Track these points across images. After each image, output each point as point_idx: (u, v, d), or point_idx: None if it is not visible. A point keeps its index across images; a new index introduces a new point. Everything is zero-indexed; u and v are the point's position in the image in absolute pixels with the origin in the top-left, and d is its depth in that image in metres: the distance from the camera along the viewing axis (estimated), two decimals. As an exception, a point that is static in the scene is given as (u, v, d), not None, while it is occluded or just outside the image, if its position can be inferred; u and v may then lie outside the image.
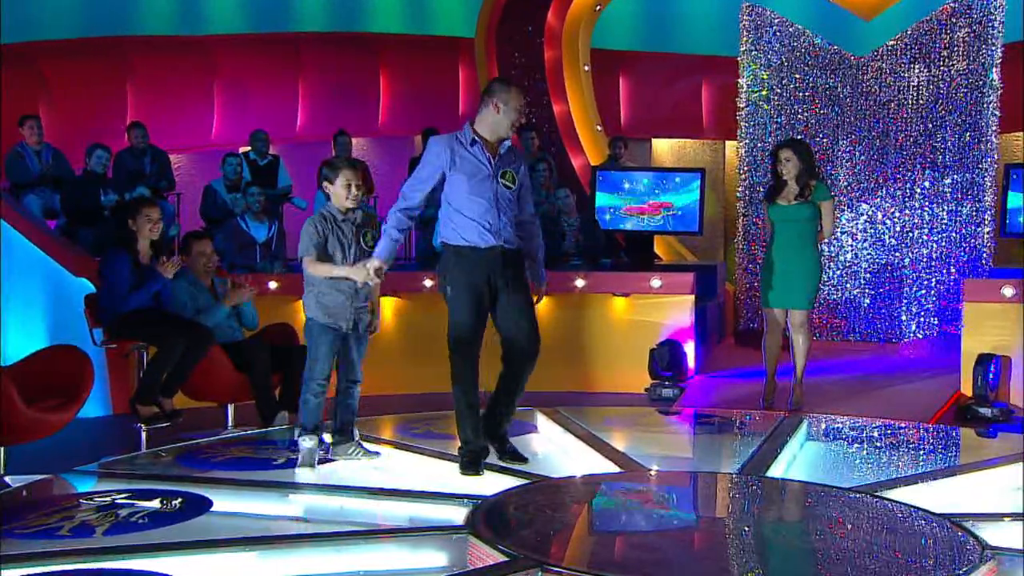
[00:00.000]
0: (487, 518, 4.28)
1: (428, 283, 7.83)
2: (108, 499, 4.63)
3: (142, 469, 5.34)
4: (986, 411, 6.62)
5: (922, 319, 9.01)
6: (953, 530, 4.09)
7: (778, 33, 9.53)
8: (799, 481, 4.95)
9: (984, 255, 8.92)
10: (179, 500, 4.62)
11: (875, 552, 3.97)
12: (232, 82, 12.32)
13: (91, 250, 7.79)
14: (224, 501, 4.64)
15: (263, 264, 8.14)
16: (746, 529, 4.33)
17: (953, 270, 8.98)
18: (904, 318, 9.02)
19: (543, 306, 7.74)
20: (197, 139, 12.20)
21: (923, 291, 9.02)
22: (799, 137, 9.31)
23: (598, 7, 11.20)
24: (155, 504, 4.55)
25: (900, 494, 4.62)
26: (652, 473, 5.05)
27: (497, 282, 4.84)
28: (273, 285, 7.61)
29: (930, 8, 9.22)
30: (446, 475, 5.10)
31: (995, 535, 4.00)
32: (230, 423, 6.47)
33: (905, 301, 9.00)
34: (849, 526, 4.35)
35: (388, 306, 7.89)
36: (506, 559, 3.83)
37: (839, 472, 5.21)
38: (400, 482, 5.00)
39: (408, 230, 5.15)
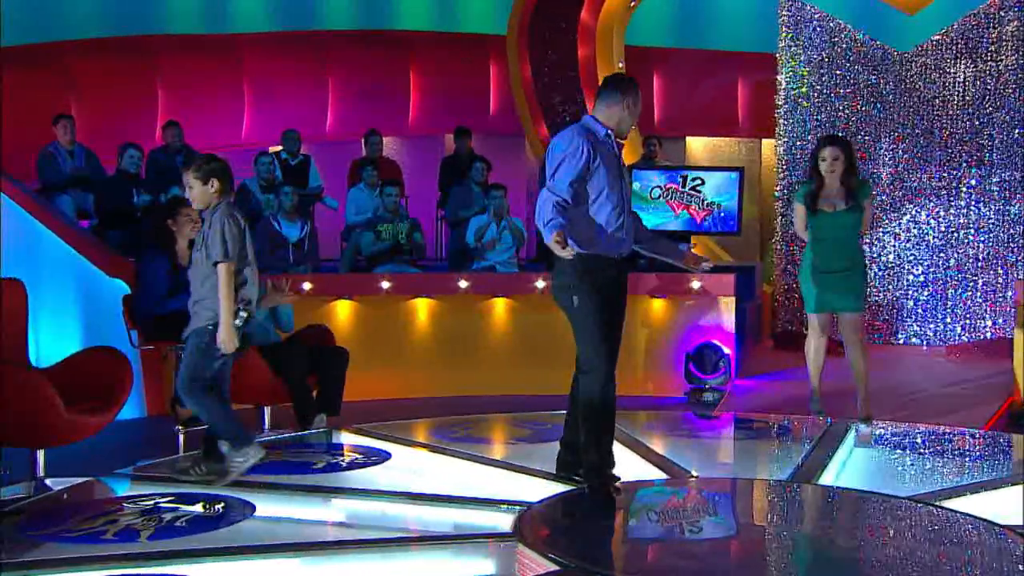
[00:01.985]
0: (534, 525, 4.17)
1: (463, 284, 7.71)
2: (151, 503, 4.56)
3: (181, 473, 5.24)
4: (1039, 416, 6.43)
5: (969, 322, 8.81)
6: (1016, 542, 3.94)
7: (818, 28, 9.37)
8: (854, 490, 4.80)
9: (1034, 255, 8.72)
10: (221, 504, 4.55)
11: (943, 566, 3.82)
12: (261, 81, 12.28)
13: (123, 251, 7.74)
14: (266, 506, 4.56)
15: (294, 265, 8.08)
16: (801, 539, 4.19)
17: (1001, 271, 8.77)
18: (950, 321, 8.83)
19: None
20: (227, 138, 12.16)
21: (970, 293, 8.82)
22: (839, 135, 9.16)
23: (632, 3, 11.06)
24: (198, 508, 4.49)
25: (959, 504, 4.47)
26: (698, 480, 4.92)
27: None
28: (307, 286, 7.52)
29: (977, 1, 9.03)
30: (487, 480, 5.01)
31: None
32: (266, 426, 6.39)
33: (951, 303, 8.81)
34: (912, 537, 4.20)
35: (422, 308, 7.79)
36: (556, 568, 3.72)
37: (893, 480, 5.05)
38: (441, 487, 4.90)
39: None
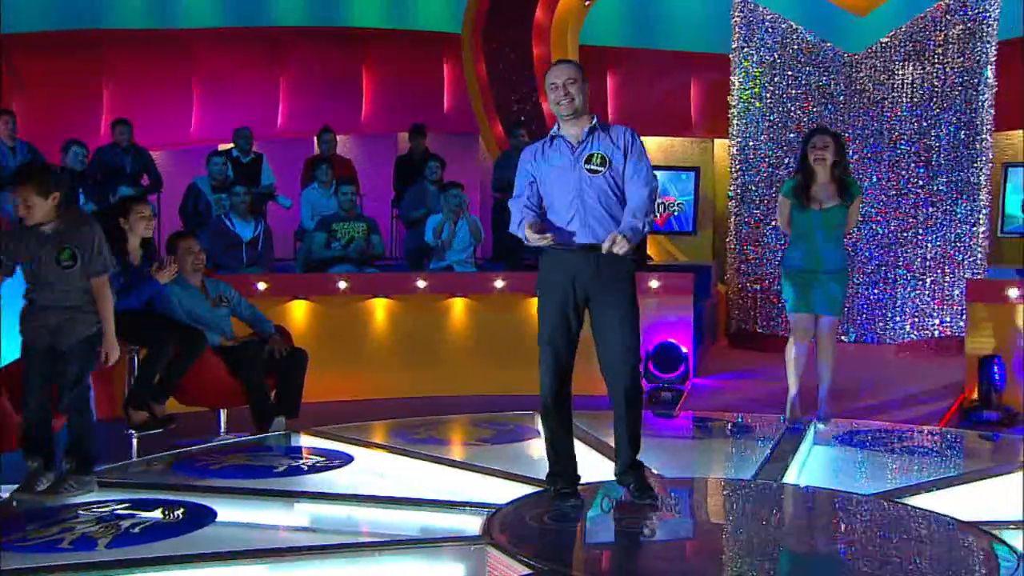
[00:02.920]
0: (503, 527, 4.14)
1: (421, 284, 7.66)
2: (107, 509, 4.45)
3: (137, 478, 5.14)
4: (992, 414, 6.55)
5: (918, 320, 8.95)
6: (983, 538, 4.00)
7: (771, 30, 9.45)
8: (818, 488, 4.84)
9: (980, 255, 8.87)
10: (181, 510, 4.45)
11: (909, 563, 3.86)
12: (211, 78, 12.07)
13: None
14: (227, 511, 4.47)
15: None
16: (770, 538, 4.20)
17: (948, 270, 8.91)
18: (899, 319, 8.96)
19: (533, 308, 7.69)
20: (175, 136, 11.94)
21: (919, 292, 8.96)
22: (792, 136, 9.26)
23: (587, 3, 11.07)
24: (156, 515, 4.39)
25: (921, 501, 4.53)
26: (663, 479, 4.91)
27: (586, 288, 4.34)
28: (262, 286, 7.41)
29: (924, 4, 9.16)
30: (452, 482, 4.98)
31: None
32: (223, 429, 6.27)
33: (900, 302, 8.94)
34: (878, 535, 4.24)
35: (379, 308, 7.72)
36: (528, 571, 3.69)
37: (856, 478, 5.10)
38: (406, 490, 4.86)
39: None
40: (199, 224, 8.62)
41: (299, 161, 10.36)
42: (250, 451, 5.62)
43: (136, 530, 4.18)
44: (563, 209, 4.31)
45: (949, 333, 8.81)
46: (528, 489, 4.69)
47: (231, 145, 9.80)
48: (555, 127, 4.43)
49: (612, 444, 5.01)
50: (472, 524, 4.25)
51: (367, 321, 7.69)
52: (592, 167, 4.27)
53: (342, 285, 7.57)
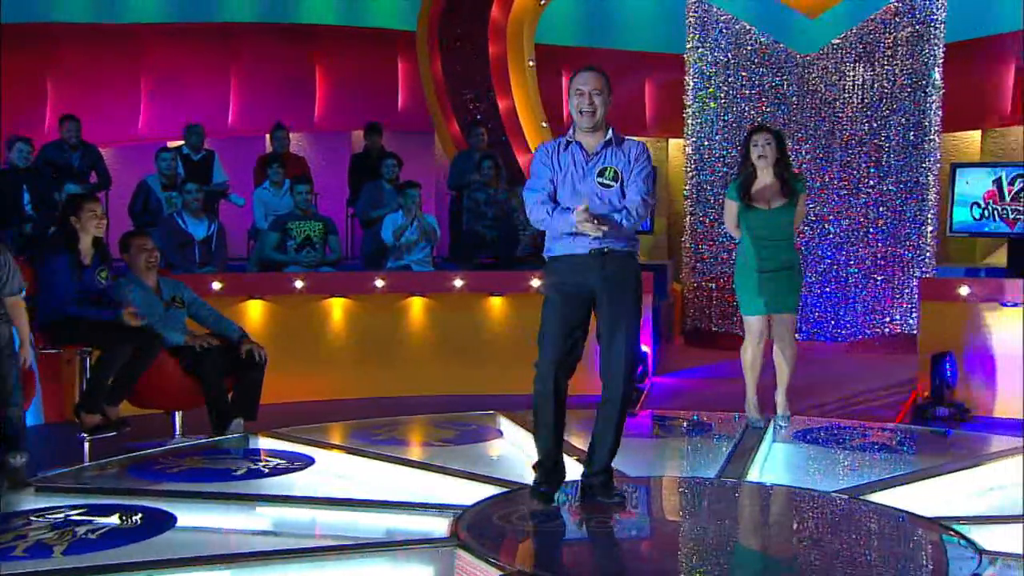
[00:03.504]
0: (471, 529, 4.10)
1: (379, 283, 7.59)
2: (60, 515, 4.33)
3: (92, 482, 5.02)
4: (944, 410, 6.66)
5: (869, 318, 9.07)
6: (945, 534, 4.05)
7: (724, 30, 9.52)
8: (783, 486, 4.88)
9: (928, 254, 9.02)
10: (139, 516, 4.35)
11: (872, 559, 3.90)
12: (159, 73, 11.89)
13: (14, 251, 7.33)
14: (188, 515, 4.38)
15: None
16: (740, 536, 4.22)
17: (898, 269, 9.05)
18: (851, 317, 9.08)
19: (500, 307, 7.69)
20: (122, 132, 11.74)
21: (870, 290, 9.08)
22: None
23: (543, 2, 11.07)
24: (114, 520, 4.28)
25: (883, 497, 4.58)
26: (629, 479, 4.91)
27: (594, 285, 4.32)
28: (216, 286, 7.29)
29: (874, 7, 9.29)
30: (416, 483, 4.93)
31: (985, 538, 3.96)
32: (178, 432, 6.15)
33: (852, 300, 9.06)
34: (842, 532, 4.28)
35: (337, 308, 7.64)
36: (499, 573, 3.66)
37: (817, 475, 5.15)
38: (369, 492, 4.80)
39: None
40: (149, 223, 8.46)
41: (251, 159, 10.23)
42: (207, 454, 5.52)
43: (93, 536, 4.07)
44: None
45: (899, 331, 8.95)
46: (493, 490, 4.66)
47: (181, 142, 9.63)
48: (570, 132, 4.40)
49: (576, 445, 5.06)
50: (438, 526, 4.21)
51: (324, 321, 7.61)
52: (605, 181, 4.30)
53: (298, 285, 7.48)
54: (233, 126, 11.85)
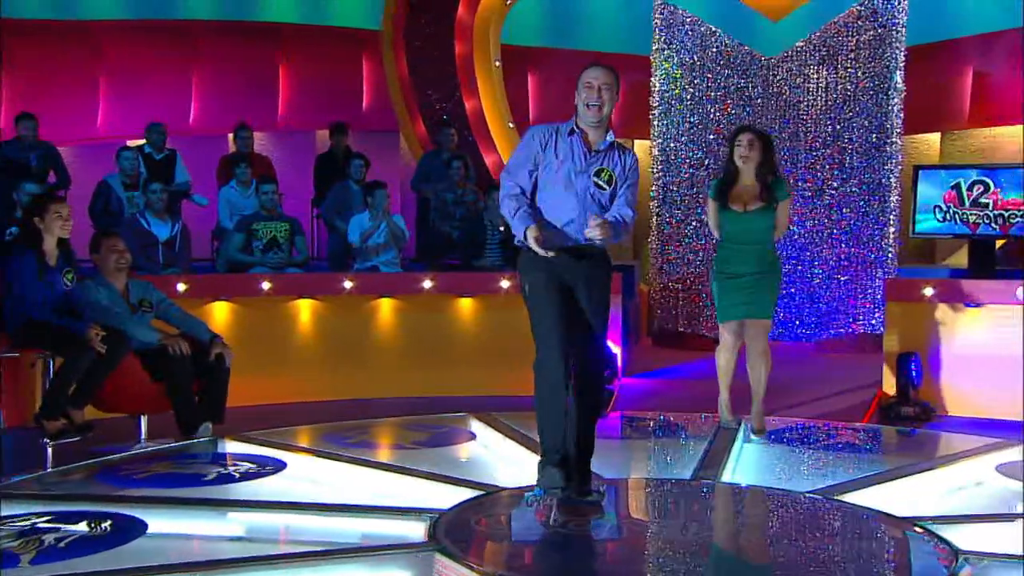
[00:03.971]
0: (450, 533, 4.07)
1: (348, 284, 7.52)
2: (27, 523, 4.24)
3: (57, 489, 4.92)
4: (909, 410, 6.73)
5: (834, 318, 9.15)
6: (921, 534, 4.08)
7: (690, 32, 9.56)
8: (760, 487, 4.90)
9: (891, 254, 9.12)
10: (108, 523, 4.26)
11: (849, 561, 3.93)
12: (118, 71, 11.70)
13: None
14: (158, 522, 4.30)
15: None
16: (718, 539, 4.23)
17: (861, 270, 9.14)
18: (816, 318, 9.16)
19: (469, 309, 7.65)
20: (79, 131, 11.54)
21: (834, 291, 9.17)
22: (711, 137, 9.40)
23: (508, 2, 11.05)
24: (82, 528, 4.19)
25: (857, 498, 4.62)
26: (605, 481, 4.90)
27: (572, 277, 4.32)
28: (182, 287, 7.17)
29: (837, 10, 9.38)
30: (390, 487, 4.88)
31: (959, 538, 4.00)
32: (143, 436, 6.03)
33: (817, 301, 9.14)
34: (819, 534, 4.31)
35: (305, 309, 7.55)
36: (479, 577, 3.64)
37: (791, 476, 5.17)
38: (343, 496, 4.76)
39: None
40: (111, 223, 8.32)
41: (212, 158, 10.09)
42: (175, 459, 5.43)
43: (62, 545, 3.99)
44: (562, 209, 4.30)
45: (862, 331, 9.05)
46: (469, 493, 4.63)
47: (142, 141, 9.48)
48: (572, 120, 4.37)
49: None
50: (414, 530, 4.18)
51: (292, 323, 7.52)
52: (600, 183, 4.31)
53: (265, 286, 7.38)
54: (194, 125, 11.70)
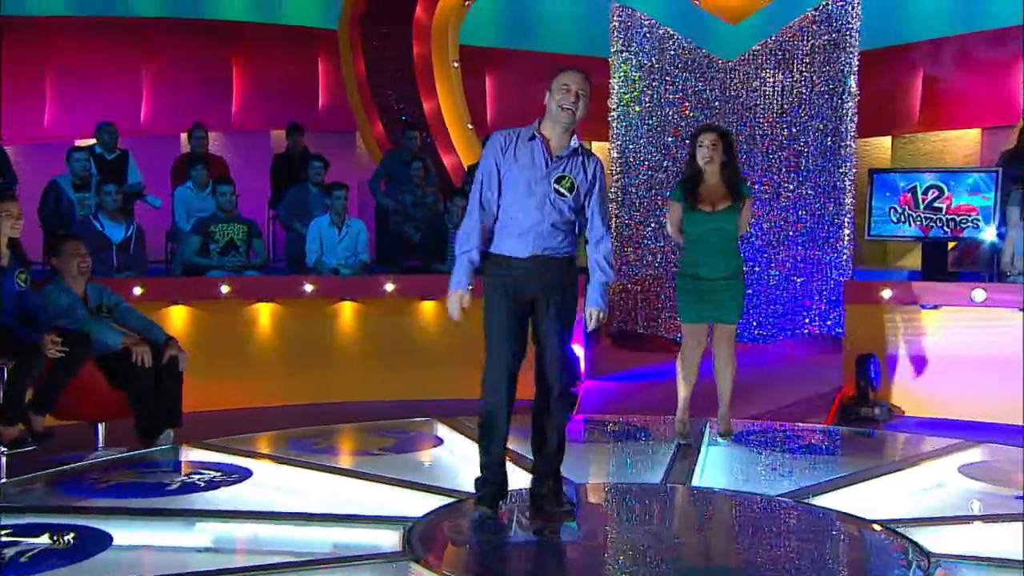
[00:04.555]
0: (424, 541, 4.03)
1: (308, 287, 7.43)
2: (-15, 537, 4.11)
3: (15, 500, 4.78)
4: (869, 411, 6.82)
5: (788, 319, 9.24)
6: (893, 538, 4.13)
7: (648, 35, 9.58)
8: (732, 491, 4.92)
9: (846, 256, 9.23)
10: (71, 535, 4.15)
11: (823, 566, 3.96)
12: (65, 68, 11.44)
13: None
14: (123, 534, 4.21)
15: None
16: (694, 544, 4.24)
17: (817, 272, 9.23)
18: (771, 319, 9.23)
19: (431, 311, 7.59)
20: (26, 130, 11.27)
21: (791, 292, 9.25)
22: (670, 140, 9.44)
23: (467, 2, 11.00)
24: (44, 540, 4.08)
25: (827, 500, 4.66)
26: (576, 486, 4.89)
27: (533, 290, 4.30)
28: (138, 291, 7.03)
29: (792, 14, 9.46)
30: (360, 494, 4.83)
31: (929, 540, 4.05)
32: (100, 443, 5.90)
33: (774, 302, 9.22)
34: (792, 537, 4.33)
35: (264, 312, 7.45)
36: (457, 587, 3.61)
37: (759, 479, 5.20)
38: (312, 505, 4.68)
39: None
40: (61, 225, 8.14)
41: (165, 159, 9.92)
42: (136, 467, 5.33)
43: (23, 559, 3.88)
44: (523, 215, 4.26)
45: (819, 332, 9.14)
46: (440, 500, 4.59)
47: (92, 140, 9.29)
48: (535, 124, 4.34)
49: (521, 452, 5.00)
50: (388, 539, 4.13)
51: (251, 326, 7.41)
52: (561, 190, 4.27)
53: (224, 289, 7.27)
54: (146, 125, 11.49)
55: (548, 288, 4.29)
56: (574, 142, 4.34)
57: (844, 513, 4.45)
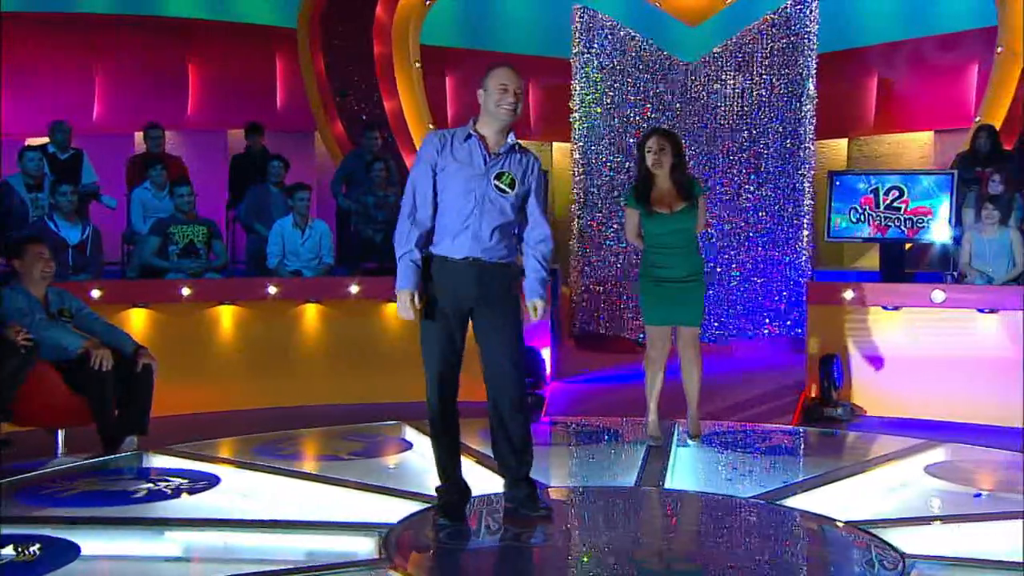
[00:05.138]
0: (403, 549, 3.99)
1: (272, 290, 7.33)
2: (-53, 550, 3.98)
3: (-26, 511, 4.64)
4: (832, 411, 6.88)
5: (749, 320, 9.31)
6: (866, 538, 4.16)
7: (610, 36, 9.59)
8: (706, 493, 4.93)
9: (804, 258, 9.32)
10: (37, 546, 4.03)
11: (798, 568, 3.98)
12: (13, 66, 11.14)
13: None
14: (91, 544, 4.10)
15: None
16: (675, 547, 4.24)
17: (777, 273, 9.32)
18: (732, 320, 9.30)
19: (396, 311, 7.51)
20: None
21: (751, 293, 9.32)
22: (632, 141, 9.45)
23: (428, 2, 10.93)
24: (8, 552, 3.95)
25: (798, 502, 4.69)
26: (552, 489, 4.88)
27: (471, 299, 4.28)
28: (96, 294, 6.88)
29: (751, 17, 9.53)
30: (332, 500, 4.75)
31: (900, 540, 4.09)
32: (59, 451, 5.76)
33: (735, 303, 9.28)
34: (770, 540, 4.35)
35: (226, 315, 7.33)
36: (437, 595, 3.57)
37: (731, 480, 5.21)
38: (284, 511, 4.61)
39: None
40: (14, 226, 7.95)
41: (117, 158, 9.74)
42: (99, 475, 5.22)
43: (-12, 572, 3.77)
44: (458, 216, 4.22)
45: (779, 332, 9.22)
46: (414, 506, 4.55)
47: (44, 139, 9.09)
48: (470, 124, 4.30)
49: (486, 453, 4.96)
50: (363, 546, 4.08)
51: (213, 329, 7.28)
52: (501, 187, 4.23)
53: (185, 292, 7.14)
54: (98, 124, 11.25)
55: (484, 298, 4.26)
56: (511, 139, 4.30)
57: (819, 515, 4.47)
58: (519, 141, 4.37)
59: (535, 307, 4.35)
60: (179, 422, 6.49)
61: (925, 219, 8.36)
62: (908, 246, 8.81)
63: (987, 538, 4.23)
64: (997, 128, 9.57)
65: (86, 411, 5.60)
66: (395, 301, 6.96)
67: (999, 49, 10.30)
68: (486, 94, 4.25)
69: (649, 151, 5.67)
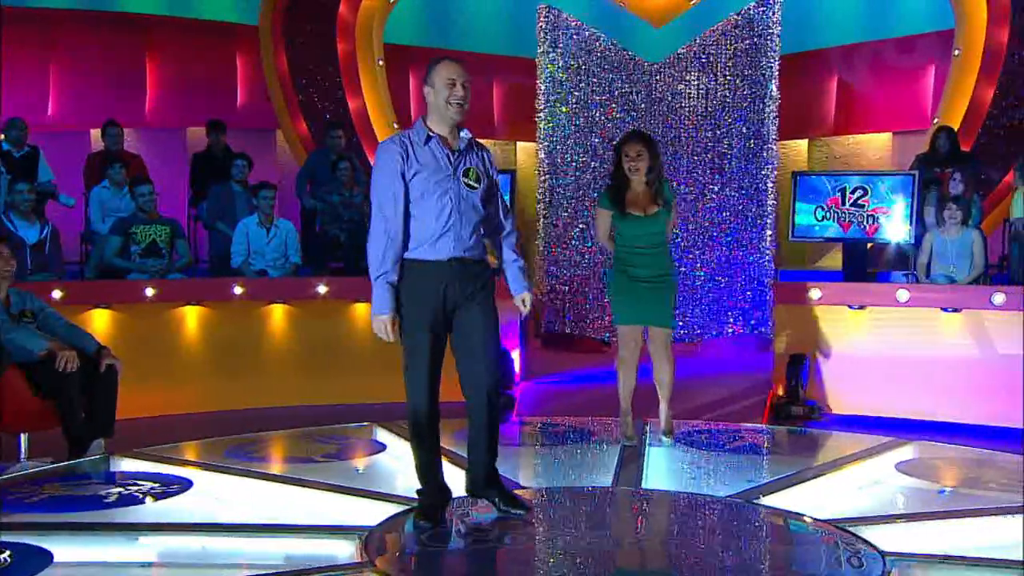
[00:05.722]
0: (384, 552, 3.95)
1: (238, 290, 7.23)
2: (-87, 560, 3.88)
3: (-61, 518, 4.52)
4: (799, 409, 6.95)
5: (714, 320, 9.37)
6: (845, 536, 4.19)
7: (575, 36, 9.60)
8: (685, 493, 4.94)
9: (768, 257, 9.40)
10: (7, 553, 3.94)
11: (778, 566, 4.00)
12: (-34, 61, 10.91)
13: None
14: (64, 550, 4.01)
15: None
16: (659, 548, 4.24)
17: (740, 272, 9.39)
18: (698, 319, 9.35)
19: (365, 314, 7.45)
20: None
21: (713, 293, 9.38)
22: (597, 141, 9.47)
23: (391, 0, 10.86)
24: (-22, 560, 3.86)
25: (775, 500, 4.72)
26: (531, 491, 4.86)
27: (454, 299, 4.24)
28: (57, 294, 6.74)
29: (715, 18, 9.59)
30: (308, 503, 4.69)
31: (877, 538, 4.13)
32: (23, 455, 5.63)
33: (700, 303, 9.33)
34: (751, 539, 4.37)
35: (191, 316, 7.22)
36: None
37: (706, 480, 5.24)
38: (260, 515, 4.54)
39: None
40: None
41: (74, 156, 9.56)
42: (67, 479, 5.10)
43: (-43, 581, 3.67)
44: (437, 220, 4.17)
45: (742, 331, 9.29)
46: (392, 508, 4.50)
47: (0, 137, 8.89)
48: (421, 124, 4.24)
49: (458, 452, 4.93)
50: (342, 549, 4.04)
51: (178, 330, 7.17)
52: (470, 183, 4.21)
53: (149, 292, 7.02)
54: (53, 120, 11.03)
55: (466, 298, 4.24)
56: (465, 134, 4.27)
57: (796, 513, 4.51)
58: (473, 135, 4.33)
59: (524, 300, 4.41)
60: (145, 424, 6.39)
61: (887, 218, 8.49)
62: (869, 245, 8.93)
63: (964, 534, 4.29)
64: (955, 129, 9.74)
65: (51, 414, 5.49)
66: (363, 301, 7.00)
67: (956, 52, 10.48)
68: (434, 91, 4.17)
69: (627, 157, 5.70)
